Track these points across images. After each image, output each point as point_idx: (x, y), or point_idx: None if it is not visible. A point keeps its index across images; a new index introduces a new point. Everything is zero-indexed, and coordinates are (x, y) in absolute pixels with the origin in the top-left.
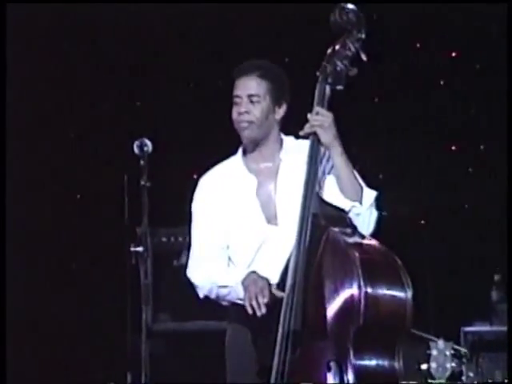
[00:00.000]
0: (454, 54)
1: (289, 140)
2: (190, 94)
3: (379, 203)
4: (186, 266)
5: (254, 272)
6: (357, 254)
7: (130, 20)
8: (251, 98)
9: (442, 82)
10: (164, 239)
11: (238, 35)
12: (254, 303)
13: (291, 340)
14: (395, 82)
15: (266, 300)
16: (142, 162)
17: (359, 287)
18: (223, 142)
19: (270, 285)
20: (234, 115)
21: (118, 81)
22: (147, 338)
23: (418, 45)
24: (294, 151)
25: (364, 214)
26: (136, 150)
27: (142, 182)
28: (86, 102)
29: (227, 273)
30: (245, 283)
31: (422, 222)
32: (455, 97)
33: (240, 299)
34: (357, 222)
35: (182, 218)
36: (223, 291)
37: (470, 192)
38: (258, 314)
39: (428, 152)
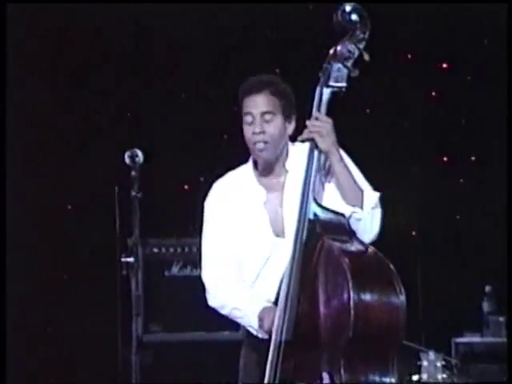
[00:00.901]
0: (445, 66)
1: (293, 147)
2: (182, 104)
3: (384, 203)
4: (177, 277)
5: (266, 307)
6: (348, 262)
7: (124, 31)
8: (265, 115)
9: (433, 93)
10: (155, 250)
11: (231, 45)
12: None
13: (283, 349)
14: (386, 93)
15: None
16: (133, 173)
17: (349, 296)
18: (214, 153)
19: None
20: (248, 134)
21: (110, 91)
22: (138, 348)
23: (409, 56)
24: (298, 159)
25: (365, 218)
26: (127, 160)
27: (133, 193)
28: (76, 113)
29: (241, 293)
30: (261, 315)
31: (413, 233)
32: (446, 108)
33: (251, 327)
34: (359, 226)
35: (173, 229)
36: (237, 313)
37: (461, 203)
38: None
39: (419, 163)
